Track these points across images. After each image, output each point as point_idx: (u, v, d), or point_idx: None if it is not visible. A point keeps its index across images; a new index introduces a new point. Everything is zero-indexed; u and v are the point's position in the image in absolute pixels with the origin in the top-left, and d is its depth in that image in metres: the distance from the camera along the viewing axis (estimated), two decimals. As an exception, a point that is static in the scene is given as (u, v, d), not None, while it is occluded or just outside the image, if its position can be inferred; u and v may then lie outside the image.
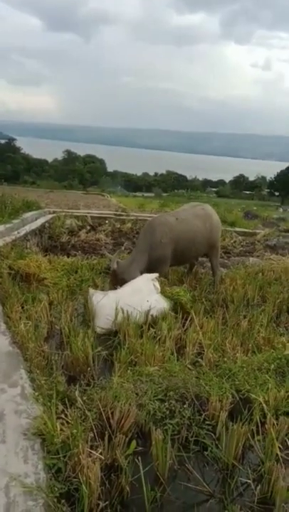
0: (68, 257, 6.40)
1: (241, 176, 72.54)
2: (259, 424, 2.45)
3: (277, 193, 62.24)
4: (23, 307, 3.89)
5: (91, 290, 4.27)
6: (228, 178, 74.87)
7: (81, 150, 73.22)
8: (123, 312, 3.82)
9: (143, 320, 3.86)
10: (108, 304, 3.88)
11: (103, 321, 3.84)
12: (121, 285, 4.36)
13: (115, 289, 4.34)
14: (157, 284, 4.28)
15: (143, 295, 4.05)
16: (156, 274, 4.40)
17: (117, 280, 4.53)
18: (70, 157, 64.13)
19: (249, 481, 2.13)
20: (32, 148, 75.94)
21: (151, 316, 3.93)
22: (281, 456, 2.24)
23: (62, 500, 1.75)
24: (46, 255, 6.18)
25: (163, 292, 4.28)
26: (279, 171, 64.19)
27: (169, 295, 4.29)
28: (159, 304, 4.07)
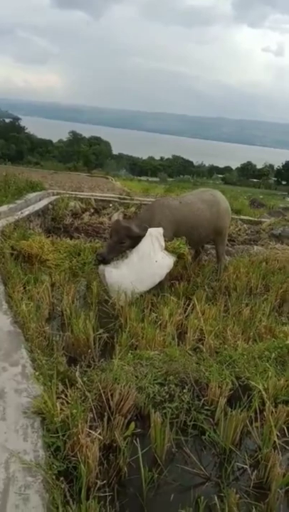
0: (71, 239, 6.38)
1: (249, 164, 71.68)
2: (258, 411, 2.46)
3: (284, 182, 61.65)
4: (25, 288, 3.89)
5: (101, 266, 4.23)
6: (235, 165, 73.98)
7: (86, 131, 72.35)
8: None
9: (157, 283, 4.14)
10: (124, 279, 3.98)
11: (123, 296, 3.92)
12: (120, 242, 4.24)
13: (117, 248, 4.26)
14: (162, 241, 4.29)
15: (150, 257, 4.15)
16: (160, 229, 4.34)
17: (121, 234, 4.28)
18: (75, 138, 63.42)
19: (246, 466, 2.15)
20: (37, 128, 75.08)
21: (166, 273, 4.19)
22: (278, 444, 2.25)
23: (61, 478, 1.78)
24: (49, 237, 6.15)
25: (165, 248, 4.33)
26: (288, 159, 63.39)
27: (171, 249, 4.35)
28: (165, 260, 4.20)
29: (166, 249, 4.32)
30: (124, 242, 4.23)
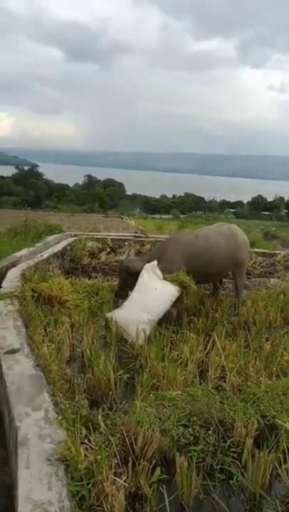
0: (89, 279, 6.47)
1: (259, 197, 72.23)
2: (286, 452, 2.37)
3: (295, 214, 61.61)
4: (45, 330, 3.94)
5: (108, 314, 4.48)
6: (246, 199, 74.61)
7: (101, 174, 74.75)
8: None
9: (162, 311, 4.25)
10: (131, 313, 4.18)
11: (135, 329, 4.00)
12: (125, 280, 4.71)
13: (125, 285, 4.74)
14: (158, 272, 4.45)
15: (149, 287, 4.33)
16: (154, 262, 4.53)
17: (123, 273, 4.83)
18: (91, 181, 65.51)
19: (278, 512, 2.05)
20: (54, 173, 78.05)
21: (170, 301, 4.29)
22: (311, 487, 2.15)
23: (87, 529, 1.73)
24: (68, 277, 6.26)
25: (164, 279, 4.44)
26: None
27: (171, 279, 4.45)
28: (165, 287, 4.32)
29: (165, 279, 4.46)
30: (127, 280, 4.69)
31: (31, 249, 6.84)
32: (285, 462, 2.32)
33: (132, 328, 4.04)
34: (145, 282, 4.41)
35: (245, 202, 73.18)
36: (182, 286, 4.45)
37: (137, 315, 4.14)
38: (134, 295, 4.40)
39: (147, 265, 4.53)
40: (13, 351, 3.16)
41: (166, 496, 1.98)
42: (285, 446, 2.39)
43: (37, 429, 2.29)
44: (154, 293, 4.29)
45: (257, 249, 9.58)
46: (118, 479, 2.02)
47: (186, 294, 4.53)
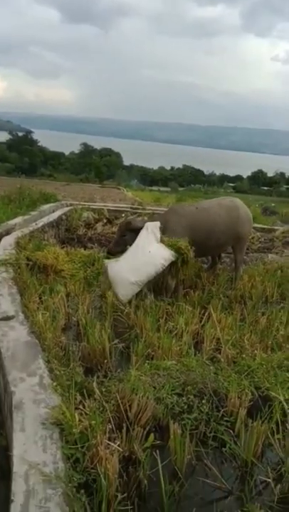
0: (85, 249, 6.42)
1: (260, 172, 71.42)
2: (279, 423, 2.41)
3: (296, 190, 61.24)
4: (40, 298, 3.92)
5: (106, 261, 4.57)
6: (246, 173, 73.77)
7: (97, 143, 73.17)
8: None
9: (152, 274, 4.23)
10: (122, 271, 4.24)
11: (124, 288, 4.14)
12: (122, 235, 4.71)
13: (121, 241, 4.77)
14: (157, 233, 4.42)
15: (144, 248, 4.34)
16: (156, 223, 4.50)
17: (123, 227, 4.82)
18: (87, 150, 64.16)
19: (269, 479, 2.09)
20: (49, 141, 76.29)
21: (162, 264, 4.24)
22: (302, 456, 2.19)
23: (81, 491, 1.75)
24: (63, 247, 6.20)
25: (162, 242, 4.40)
26: (298, 167, 63.13)
27: (168, 244, 4.38)
28: (160, 251, 4.29)
29: (163, 242, 4.41)
30: (126, 235, 4.67)
31: (26, 217, 6.73)
32: (278, 432, 2.35)
33: (120, 286, 4.17)
34: (142, 242, 4.40)
35: (245, 176, 72.42)
36: (179, 252, 4.35)
37: (127, 274, 4.19)
38: (129, 253, 4.46)
39: (148, 224, 4.50)
40: (7, 318, 3.14)
41: (159, 461, 2.01)
42: (279, 417, 2.42)
43: (32, 394, 2.29)
44: (146, 255, 4.28)
45: (256, 225, 9.52)
46: (112, 444, 2.04)
47: (183, 261, 4.41)
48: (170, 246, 4.35)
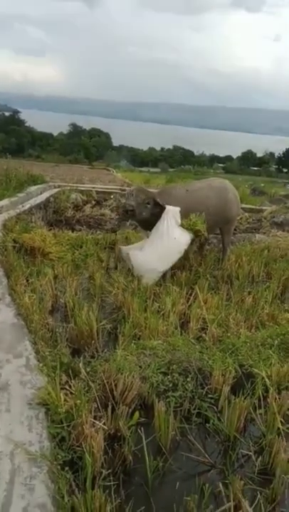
0: (73, 231, 6.38)
1: (249, 152, 71.09)
2: (261, 398, 2.47)
3: (285, 170, 61.21)
4: (27, 280, 3.90)
5: (124, 249, 4.56)
6: (236, 153, 73.34)
7: (86, 123, 71.80)
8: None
9: (176, 261, 4.37)
10: (150, 260, 4.25)
11: (151, 277, 4.21)
12: (145, 202, 4.44)
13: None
14: (178, 218, 4.43)
15: (169, 235, 4.34)
16: (177, 208, 4.45)
17: (144, 193, 4.58)
18: (76, 130, 62.95)
19: (250, 453, 2.16)
20: (36, 121, 74.58)
21: (184, 249, 4.39)
22: (282, 430, 2.26)
23: (66, 468, 1.79)
24: (51, 229, 6.15)
25: (181, 225, 4.45)
26: (288, 146, 62.96)
27: (187, 226, 4.47)
28: (182, 236, 4.38)
29: (182, 226, 4.46)
30: (149, 204, 4.43)
31: (13, 199, 6.63)
32: (260, 408, 2.42)
33: (148, 275, 4.20)
34: (165, 228, 4.38)
35: (234, 157, 72.06)
36: (196, 235, 4.49)
37: (155, 264, 4.25)
38: (155, 239, 4.40)
39: (169, 208, 4.43)
40: (-6, 300, 3.12)
41: (144, 438, 2.06)
42: (261, 393, 2.48)
43: (18, 375, 2.31)
44: (172, 242, 4.34)
45: (244, 205, 9.53)
46: (97, 422, 2.08)
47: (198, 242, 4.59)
48: (189, 228, 4.45)
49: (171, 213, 4.43)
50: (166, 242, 4.33)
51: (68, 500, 1.63)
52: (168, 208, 4.43)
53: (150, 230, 4.56)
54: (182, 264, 4.91)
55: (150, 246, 4.39)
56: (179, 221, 4.44)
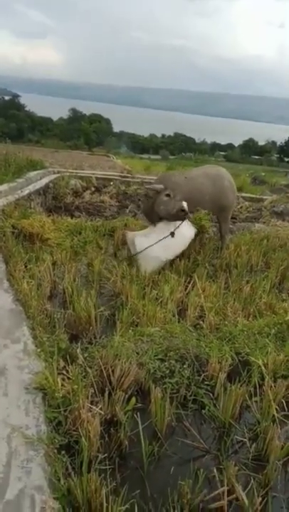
0: (72, 218, 6.35)
1: (251, 141, 70.41)
2: (257, 386, 2.49)
3: (287, 159, 60.72)
4: (26, 266, 3.89)
5: (130, 234, 4.57)
6: (238, 141, 72.62)
7: (86, 108, 70.85)
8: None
9: (180, 253, 4.45)
10: (153, 248, 4.27)
11: (151, 264, 4.23)
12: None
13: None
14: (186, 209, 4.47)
15: (180, 230, 4.41)
16: (185, 203, 4.47)
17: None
18: (76, 116, 62.18)
19: (245, 439, 2.19)
20: (37, 105, 73.57)
21: (188, 243, 4.50)
22: (277, 417, 2.28)
23: (63, 452, 1.81)
24: (50, 215, 6.12)
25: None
26: (290, 135, 62.46)
27: (193, 220, 4.61)
28: (189, 230, 4.49)
29: (188, 219, 4.54)
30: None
31: (12, 184, 6.57)
32: (256, 395, 2.44)
33: (148, 262, 4.22)
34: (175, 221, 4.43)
35: (236, 145, 71.41)
36: (201, 230, 4.64)
37: (158, 252, 4.28)
38: (163, 231, 4.43)
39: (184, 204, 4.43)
40: (-8, 286, 3.12)
41: (140, 423, 2.08)
42: (257, 381, 2.50)
43: (16, 360, 2.32)
44: (179, 234, 4.42)
45: (244, 194, 9.50)
46: (94, 407, 2.10)
47: (198, 240, 4.76)
48: (195, 223, 4.56)
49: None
50: (176, 235, 4.39)
51: (64, 483, 1.65)
52: (184, 203, 4.46)
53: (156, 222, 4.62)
54: (181, 252, 4.90)
55: (157, 234, 4.42)
56: (188, 214, 4.48)
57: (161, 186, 4.36)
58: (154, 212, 4.58)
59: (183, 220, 4.39)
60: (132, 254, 4.45)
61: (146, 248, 4.30)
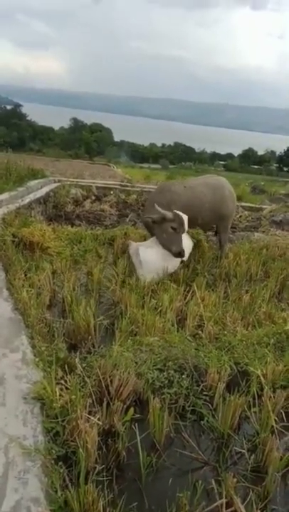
0: (72, 226, 6.37)
1: (250, 150, 70.91)
2: (256, 397, 2.48)
3: (286, 169, 61.05)
4: (26, 275, 3.90)
5: (134, 245, 4.62)
6: (237, 151, 73.13)
7: (88, 118, 71.50)
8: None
9: (178, 264, 4.51)
10: (156, 259, 4.34)
11: (151, 274, 4.24)
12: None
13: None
14: (186, 226, 4.51)
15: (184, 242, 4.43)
16: (185, 216, 4.48)
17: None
18: (77, 125, 62.72)
19: (243, 450, 2.17)
20: (38, 115, 74.22)
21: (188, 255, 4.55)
22: (276, 428, 2.27)
23: (60, 463, 1.80)
24: (50, 224, 6.14)
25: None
26: (289, 145, 62.86)
27: (191, 235, 4.71)
28: (189, 243, 4.64)
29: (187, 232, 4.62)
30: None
31: (12, 193, 6.61)
32: (255, 406, 2.43)
33: (150, 271, 4.24)
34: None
35: (235, 155, 71.87)
36: (198, 244, 4.83)
37: (161, 264, 4.32)
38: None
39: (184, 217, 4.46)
40: (-9, 294, 3.12)
41: (138, 434, 2.07)
42: (256, 391, 2.49)
43: (14, 369, 2.32)
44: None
45: (244, 203, 9.53)
46: (92, 417, 2.08)
47: (198, 251, 4.92)
48: (193, 237, 4.71)
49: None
50: None
51: (61, 495, 1.64)
52: (184, 216, 4.49)
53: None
54: (180, 261, 4.92)
55: (159, 246, 4.47)
56: (186, 228, 4.50)
57: (170, 216, 4.31)
58: (153, 230, 4.62)
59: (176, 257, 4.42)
60: (134, 263, 4.47)
61: (148, 259, 4.34)
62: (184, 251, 4.32)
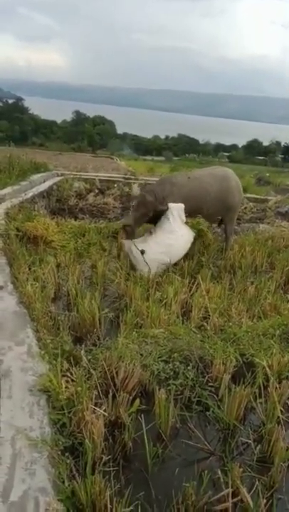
0: (76, 220, 6.36)
1: (255, 141, 70.22)
2: (262, 388, 2.48)
3: (291, 160, 60.53)
4: (30, 269, 3.91)
5: (127, 242, 4.54)
6: (242, 142, 72.42)
7: (90, 111, 71.08)
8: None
9: (181, 256, 4.46)
10: (153, 253, 4.26)
11: (152, 267, 4.20)
12: (146, 214, 4.56)
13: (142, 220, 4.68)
14: (182, 216, 4.52)
15: (176, 232, 4.43)
16: (181, 205, 4.50)
17: (149, 206, 4.56)
18: (80, 118, 62.41)
19: (249, 441, 2.17)
20: (40, 108, 73.94)
21: (189, 246, 4.52)
22: (282, 419, 2.27)
23: (67, 454, 1.82)
24: (54, 218, 6.14)
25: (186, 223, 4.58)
26: (295, 136, 62.25)
27: (191, 225, 4.67)
28: (189, 234, 4.53)
29: (186, 223, 4.57)
30: (150, 215, 4.55)
31: (16, 187, 6.62)
32: (260, 397, 2.43)
33: (153, 270, 4.18)
34: (172, 226, 4.43)
35: (240, 146, 71.23)
36: (199, 234, 4.71)
37: (159, 256, 4.26)
38: (161, 235, 4.43)
39: (172, 206, 4.46)
40: (-4, 288, 3.14)
41: (144, 425, 2.08)
42: (261, 382, 2.49)
43: (20, 362, 2.33)
44: (179, 239, 4.42)
45: (249, 195, 9.46)
46: (98, 409, 2.10)
47: (202, 242, 4.86)
48: (193, 227, 4.62)
49: (176, 211, 4.47)
50: (174, 239, 4.38)
51: (68, 485, 1.65)
52: (171, 206, 4.48)
53: (154, 224, 4.63)
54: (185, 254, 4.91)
55: (155, 240, 4.40)
56: (184, 218, 4.49)
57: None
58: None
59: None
60: (130, 261, 4.41)
61: (140, 251, 4.28)
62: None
